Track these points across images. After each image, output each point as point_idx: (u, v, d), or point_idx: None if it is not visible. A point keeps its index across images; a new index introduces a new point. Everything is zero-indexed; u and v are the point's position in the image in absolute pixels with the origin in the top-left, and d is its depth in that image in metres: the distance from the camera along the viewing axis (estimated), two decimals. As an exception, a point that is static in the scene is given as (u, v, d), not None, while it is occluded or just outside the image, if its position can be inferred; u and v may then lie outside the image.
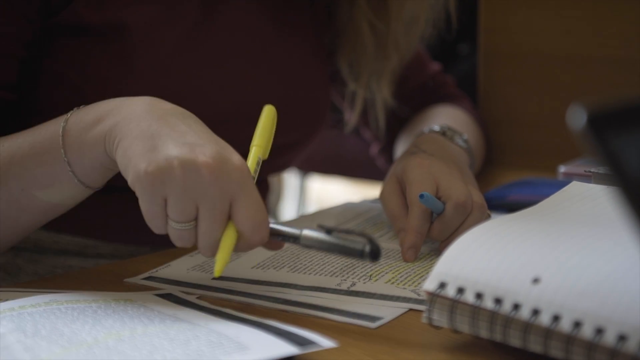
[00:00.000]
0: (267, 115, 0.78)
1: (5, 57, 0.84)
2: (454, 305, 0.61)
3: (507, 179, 1.12)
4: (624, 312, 0.54)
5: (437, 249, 0.85)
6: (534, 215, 0.71)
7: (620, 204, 0.46)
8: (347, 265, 0.80)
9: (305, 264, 0.81)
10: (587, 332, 0.55)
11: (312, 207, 2.55)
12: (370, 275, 0.78)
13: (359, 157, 1.60)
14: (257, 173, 0.75)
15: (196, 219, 0.68)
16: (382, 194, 0.90)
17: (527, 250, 0.62)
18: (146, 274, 0.80)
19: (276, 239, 0.71)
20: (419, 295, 0.73)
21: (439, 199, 0.84)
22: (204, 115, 0.74)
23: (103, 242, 0.96)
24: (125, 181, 0.70)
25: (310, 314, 0.70)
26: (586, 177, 0.90)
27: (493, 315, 0.60)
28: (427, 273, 0.76)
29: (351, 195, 1.66)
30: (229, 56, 0.94)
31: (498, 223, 0.68)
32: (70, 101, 0.77)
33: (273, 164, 0.96)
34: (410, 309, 0.71)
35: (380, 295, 0.73)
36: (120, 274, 0.81)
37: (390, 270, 0.79)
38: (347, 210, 1.03)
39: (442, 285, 0.62)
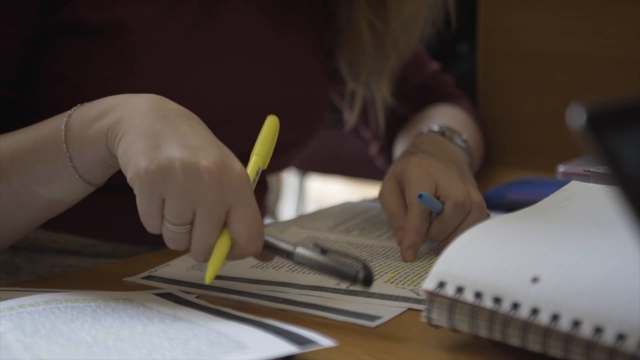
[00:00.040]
0: (270, 126, 0.78)
1: (5, 55, 0.84)
2: (453, 304, 0.61)
3: (506, 178, 1.12)
4: (623, 311, 0.54)
5: (436, 249, 0.85)
6: (533, 215, 0.71)
7: (619, 204, 0.46)
8: (346, 265, 0.81)
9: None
10: (586, 331, 0.55)
11: (311, 207, 2.55)
12: (370, 275, 0.78)
13: (358, 157, 1.60)
14: (256, 182, 0.75)
15: (192, 222, 0.68)
16: (381, 193, 0.90)
17: (526, 249, 0.62)
18: (145, 273, 0.80)
19: (269, 252, 0.71)
20: (418, 294, 0.73)
21: (438, 198, 0.84)
22: (203, 115, 0.74)
23: (102, 242, 0.96)
24: (125, 180, 0.69)
25: (309, 313, 0.70)
26: (585, 177, 0.90)
27: (492, 315, 0.60)
28: (426, 273, 0.76)
29: (350, 194, 1.66)
30: (229, 56, 0.94)
31: (497, 222, 0.68)
32: (70, 101, 0.77)
33: (272, 164, 0.96)
34: (410, 309, 0.71)
35: (379, 295, 0.73)
36: (119, 273, 0.81)
37: (390, 270, 0.79)
38: (346, 209, 1.03)
39: (441, 285, 0.62)
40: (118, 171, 0.73)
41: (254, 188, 0.73)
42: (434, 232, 0.84)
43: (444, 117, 1.09)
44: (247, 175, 0.69)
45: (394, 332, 0.67)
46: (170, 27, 0.90)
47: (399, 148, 1.12)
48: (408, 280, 0.77)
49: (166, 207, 0.67)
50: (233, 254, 0.69)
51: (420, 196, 0.81)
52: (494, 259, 0.61)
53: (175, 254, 0.84)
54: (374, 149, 1.20)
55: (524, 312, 0.58)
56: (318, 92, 1.04)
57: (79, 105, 0.76)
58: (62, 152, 0.74)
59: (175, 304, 0.71)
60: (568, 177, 0.97)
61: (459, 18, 1.06)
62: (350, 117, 1.12)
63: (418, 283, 0.76)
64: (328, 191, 2.88)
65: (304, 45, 1.02)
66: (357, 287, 0.68)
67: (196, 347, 0.59)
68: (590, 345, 0.55)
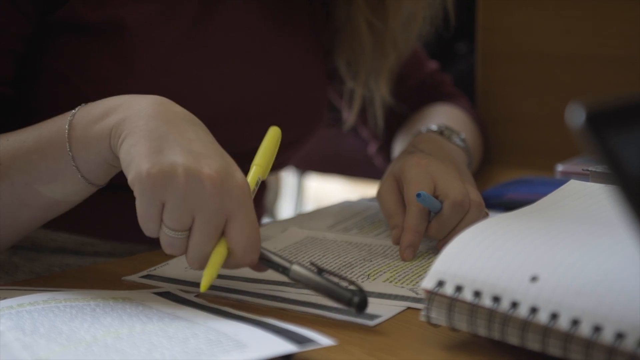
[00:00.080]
0: (272, 137, 0.78)
1: (4, 53, 0.84)
2: (452, 303, 0.61)
3: (504, 177, 1.12)
4: (622, 310, 0.54)
5: (435, 248, 0.85)
6: (531, 214, 0.71)
7: (618, 203, 0.46)
8: (345, 265, 0.81)
9: (304, 263, 0.80)
10: (585, 330, 0.55)
11: (309, 206, 2.55)
12: (369, 275, 0.78)
13: (357, 156, 1.60)
14: (255, 193, 0.75)
15: (190, 229, 0.68)
16: (379, 192, 0.90)
17: (525, 248, 0.62)
18: (144, 272, 0.80)
19: (265, 264, 0.71)
20: (417, 293, 0.73)
21: (437, 198, 0.84)
22: (203, 115, 0.74)
23: (100, 240, 0.96)
24: (124, 179, 0.69)
25: (308, 312, 0.70)
26: (584, 176, 0.90)
27: (491, 313, 0.60)
28: (425, 272, 0.76)
29: (349, 193, 1.67)
30: (228, 56, 0.94)
31: (496, 221, 0.68)
32: (71, 101, 0.77)
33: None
34: (409, 308, 0.71)
35: (378, 294, 0.73)
36: (118, 272, 0.80)
37: (389, 270, 0.79)
38: (344, 208, 1.03)
39: (440, 284, 0.62)
40: (119, 171, 0.73)
41: (253, 197, 0.73)
42: (433, 231, 0.84)
43: (443, 116, 1.09)
44: (248, 186, 0.69)
45: (393, 331, 0.67)
46: (169, 27, 0.90)
47: (398, 147, 1.12)
48: (407, 279, 0.77)
49: (165, 211, 0.67)
50: (229, 264, 0.69)
51: (418, 195, 0.81)
52: (493, 258, 0.61)
53: (174, 253, 0.84)
54: (372, 148, 1.20)
55: (522, 311, 0.58)
56: (317, 91, 1.04)
57: (83, 104, 0.75)
58: (65, 151, 0.74)
59: (174, 302, 0.71)
60: (567, 176, 0.98)
61: (457, 17, 1.06)
62: (349, 116, 1.12)
63: (417, 282, 0.76)
64: (327, 190, 2.88)
65: (303, 45, 1.02)
66: (352, 310, 0.67)
67: (195, 346, 0.59)
68: (589, 344, 0.55)
